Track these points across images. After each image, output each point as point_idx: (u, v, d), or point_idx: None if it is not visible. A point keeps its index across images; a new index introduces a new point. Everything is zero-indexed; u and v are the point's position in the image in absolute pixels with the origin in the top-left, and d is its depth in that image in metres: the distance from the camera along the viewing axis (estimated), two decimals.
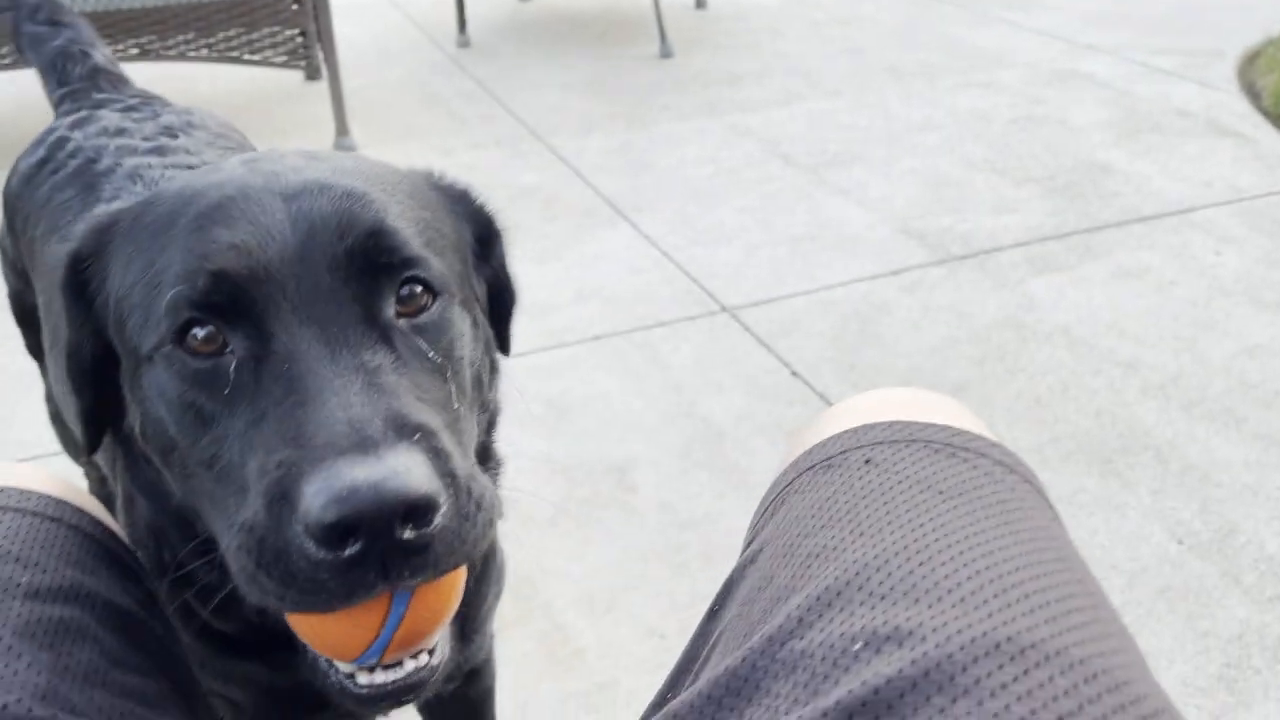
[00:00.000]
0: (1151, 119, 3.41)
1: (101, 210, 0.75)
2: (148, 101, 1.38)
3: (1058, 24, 4.44)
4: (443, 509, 0.54)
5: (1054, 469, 1.91)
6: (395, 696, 0.62)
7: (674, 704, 0.54)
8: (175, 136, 1.27)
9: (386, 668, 0.61)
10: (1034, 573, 0.56)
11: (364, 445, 0.53)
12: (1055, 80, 3.78)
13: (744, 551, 0.70)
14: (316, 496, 0.52)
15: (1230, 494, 1.86)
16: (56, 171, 1.25)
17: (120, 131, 1.27)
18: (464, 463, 0.59)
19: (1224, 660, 1.54)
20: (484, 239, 0.81)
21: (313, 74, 3.86)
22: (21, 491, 0.68)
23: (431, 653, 0.63)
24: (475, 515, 0.57)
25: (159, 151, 1.23)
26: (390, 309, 0.63)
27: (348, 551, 0.52)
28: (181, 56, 3.19)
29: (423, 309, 0.65)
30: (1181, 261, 2.57)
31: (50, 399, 1.55)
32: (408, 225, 0.67)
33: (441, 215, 0.75)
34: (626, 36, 4.41)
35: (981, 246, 2.66)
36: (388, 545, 0.52)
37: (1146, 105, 3.52)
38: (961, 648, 0.48)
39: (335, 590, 0.53)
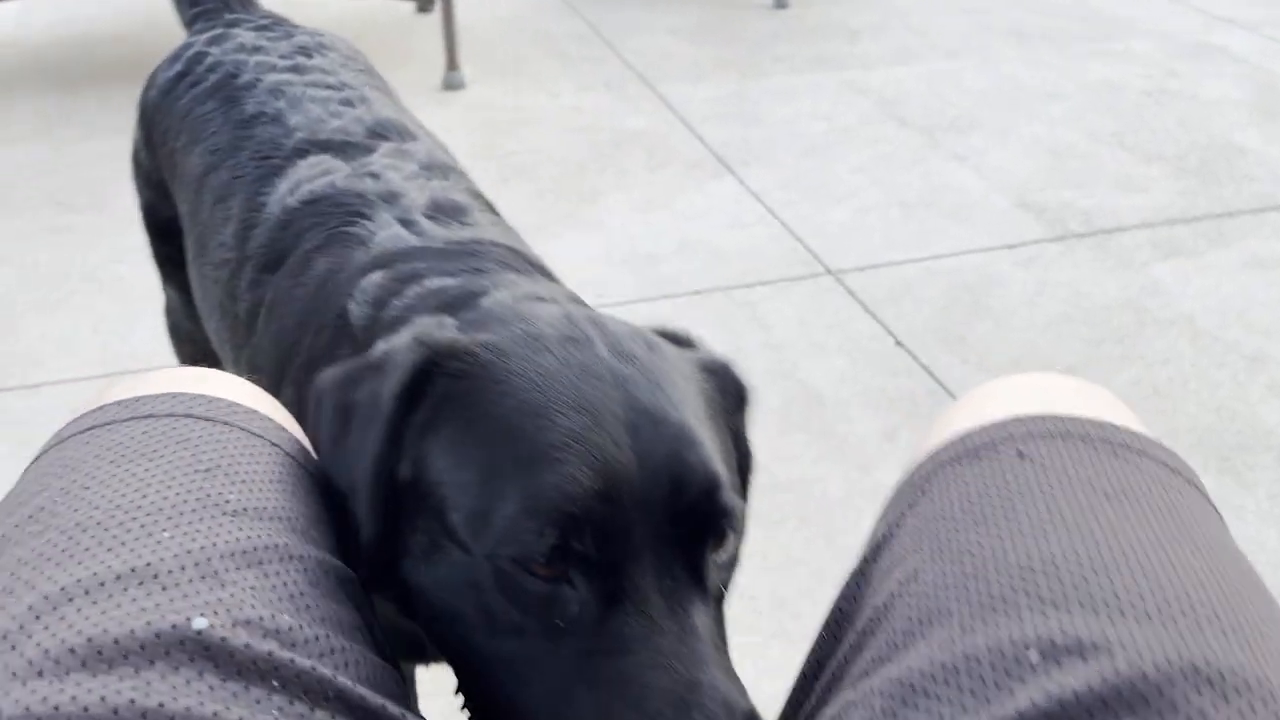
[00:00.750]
0: None
1: (431, 331, 0.71)
2: (278, 22, 1.40)
3: None
4: None
5: None
6: None
7: None
8: (310, 56, 1.28)
9: None
10: (1221, 591, 0.52)
11: None
12: (1190, 53, 3.59)
13: (872, 542, 0.67)
14: None
15: None
16: (196, 85, 1.27)
17: (257, 49, 1.29)
18: None
19: None
20: (733, 408, 0.79)
21: (424, 5, 3.85)
22: (230, 404, 0.66)
23: None
24: None
25: (297, 70, 1.25)
26: (708, 560, 0.65)
27: None
28: None
29: (724, 549, 0.67)
30: None
31: (170, 312, 1.58)
32: (721, 465, 0.67)
33: (716, 408, 0.74)
34: None
35: (1103, 225, 2.55)
36: None
37: None
38: (1156, 667, 0.45)
39: None
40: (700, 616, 0.62)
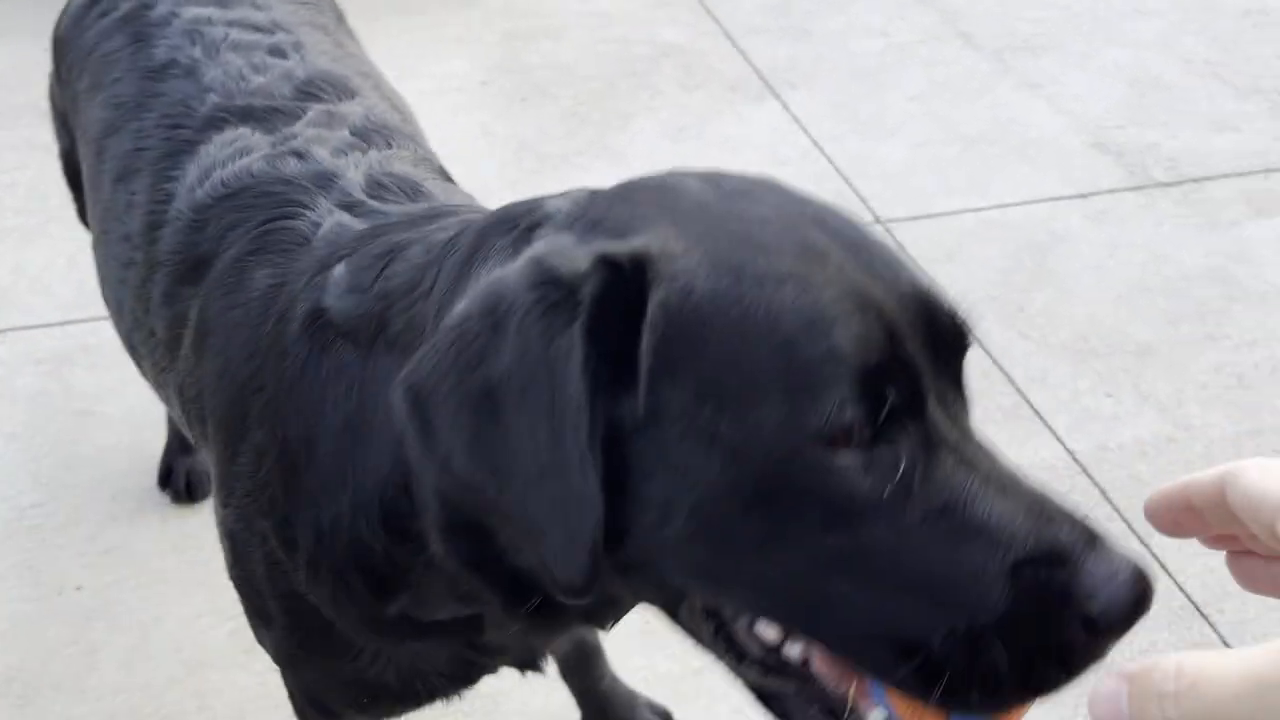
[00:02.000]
0: None
1: (566, 250, 0.60)
2: None
3: None
4: None
5: None
6: None
7: None
8: None
9: None
10: None
11: (1095, 539, 0.56)
12: None
13: None
14: (1112, 593, 0.54)
15: None
16: (106, 14, 1.09)
17: None
18: None
19: None
20: None
21: None
22: None
23: None
24: None
25: (221, 4, 1.06)
26: (964, 374, 0.63)
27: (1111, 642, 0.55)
28: None
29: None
30: None
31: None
32: None
33: None
34: None
35: (1190, 173, 2.27)
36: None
37: None
38: None
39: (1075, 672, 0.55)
40: (976, 431, 0.61)
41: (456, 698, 0.87)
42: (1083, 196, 2.20)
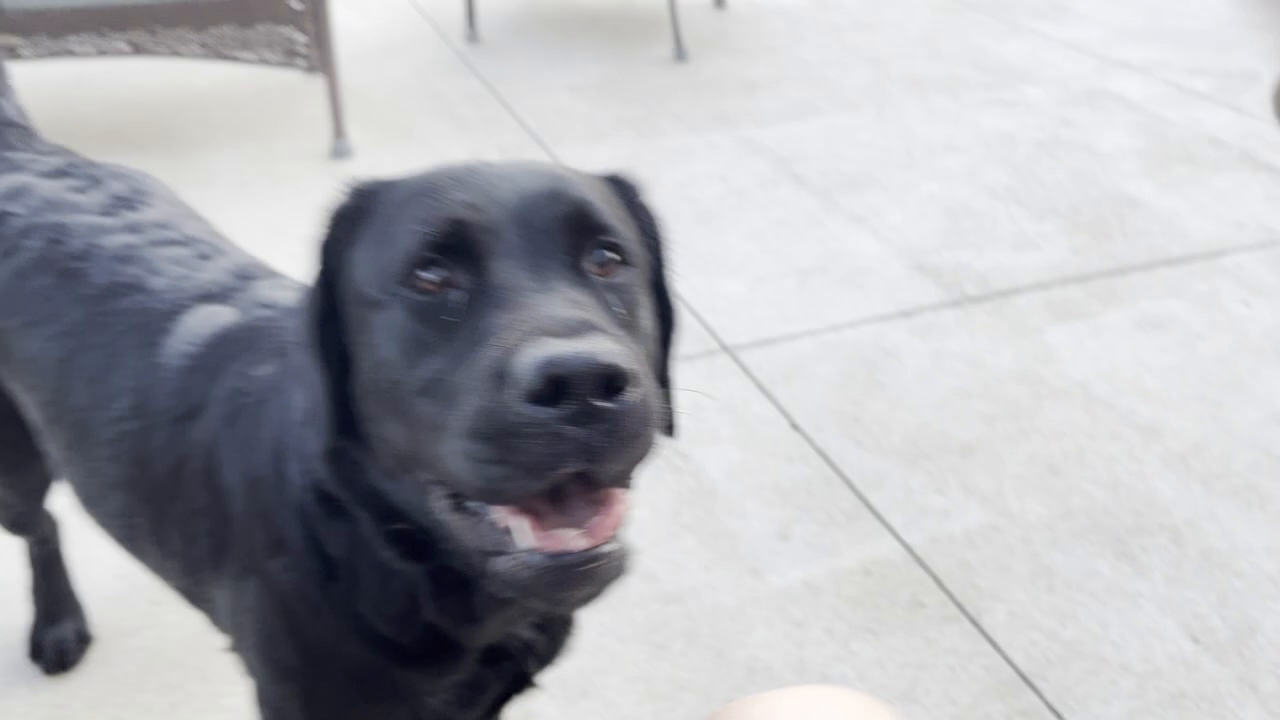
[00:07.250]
0: (1183, 147, 3.26)
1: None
2: (73, 164, 1.26)
3: (1089, 37, 4.27)
4: (631, 384, 0.64)
5: (1065, 548, 1.79)
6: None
7: None
8: (135, 209, 1.20)
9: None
10: None
11: (570, 331, 0.65)
12: (1085, 100, 3.63)
13: None
14: (528, 362, 0.62)
15: (1250, 585, 1.74)
16: (10, 254, 1.15)
17: (72, 206, 1.18)
18: (647, 373, 0.69)
19: None
20: (631, 197, 0.89)
21: (314, 67, 3.73)
22: None
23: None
24: (650, 412, 0.67)
25: (133, 229, 1.15)
26: (591, 264, 0.75)
27: (556, 410, 0.62)
28: (174, 53, 3.08)
29: (616, 271, 0.76)
30: (1209, 313, 2.43)
31: None
32: (605, 206, 0.78)
33: (615, 200, 0.84)
34: (640, 35, 4.27)
35: (998, 287, 2.53)
36: (585, 412, 0.62)
37: (1178, 132, 3.37)
38: None
39: (542, 459, 0.63)
40: (576, 294, 0.70)
41: None
42: (906, 315, 2.43)
